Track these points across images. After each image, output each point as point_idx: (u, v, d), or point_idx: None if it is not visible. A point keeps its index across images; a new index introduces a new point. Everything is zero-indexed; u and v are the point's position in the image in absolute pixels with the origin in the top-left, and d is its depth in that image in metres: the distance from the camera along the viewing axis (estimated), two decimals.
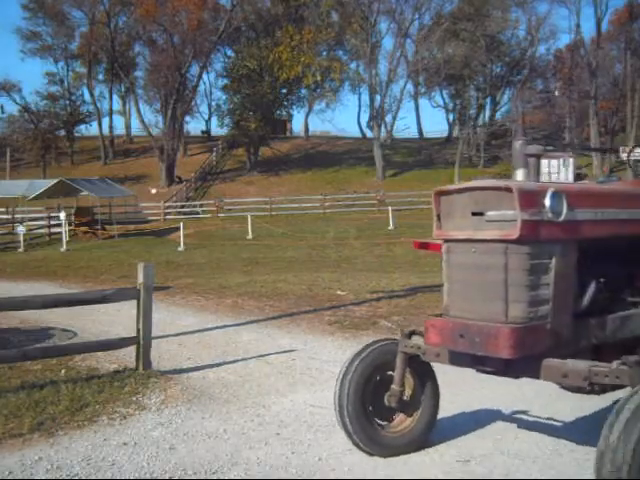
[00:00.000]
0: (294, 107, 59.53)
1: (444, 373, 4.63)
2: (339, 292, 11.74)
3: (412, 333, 4.32)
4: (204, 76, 61.70)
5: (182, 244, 25.28)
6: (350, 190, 44.59)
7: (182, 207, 43.48)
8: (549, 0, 62.52)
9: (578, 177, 6.48)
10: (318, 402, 5.45)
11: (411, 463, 4.24)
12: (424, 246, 5.19)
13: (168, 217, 40.16)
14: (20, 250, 26.96)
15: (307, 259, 19.80)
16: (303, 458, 4.35)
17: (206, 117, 67.59)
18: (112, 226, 33.05)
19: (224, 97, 56.92)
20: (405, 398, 4.36)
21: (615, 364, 3.30)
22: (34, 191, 34.17)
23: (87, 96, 62.45)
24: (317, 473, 4.14)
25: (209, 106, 65.26)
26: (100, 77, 64.20)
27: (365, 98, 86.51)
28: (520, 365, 3.63)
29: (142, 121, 57.74)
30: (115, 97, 66.52)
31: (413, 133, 67.23)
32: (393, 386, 4.27)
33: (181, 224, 26.80)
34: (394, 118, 60.40)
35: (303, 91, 55.73)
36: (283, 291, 12.12)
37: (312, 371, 6.60)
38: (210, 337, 8.47)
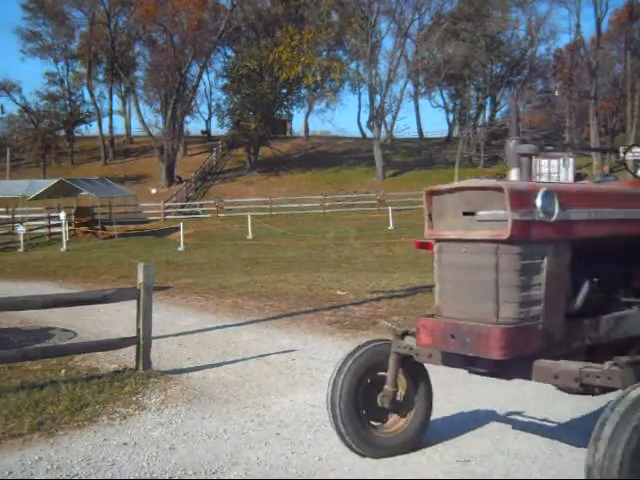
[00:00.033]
0: (294, 107, 59.64)
1: (444, 373, 4.63)
2: (339, 292, 11.74)
3: (405, 334, 4.30)
4: (204, 76, 61.85)
5: (182, 244, 25.29)
6: (350, 190, 44.60)
7: (182, 207, 43.49)
8: (549, 0, 62.55)
9: (578, 177, 6.48)
10: (318, 402, 5.45)
11: (411, 463, 4.24)
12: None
13: (168, 217, 40.16)
14: (20, 250, 26.97)
15: (307, 259, 19.81)
16: (303, 458, 4.35)
17: (206, 117, 67.75)
18: (112, 226, 33.06)
19: (224, 97, 57.04)
20: (398, 399, 4.34)
21: (607, 365, 3.27)
22: (34, 191, 34.18)
23: (87, 96, 62.60)
24: (317, 473, 4.14)
25: (209, 106, 65.40)
26: (100, 77, 64.29)
27: (365, 98, 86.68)
28: (512, 366, 3.61)
29: (142, 121, 57.83)
30: (115, 97, 66.69)
31: (413, 133, 67.32)
32: (386, 387, 4.25)
33: (181, 224, 26.80)
34: (394, 118, 60.49)
35: (303, 91, 55.74)
36: (283, 291, 12.12)
37: (312, 371, 6.60)
38: (210, 337, 8.47)
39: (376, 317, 9.26)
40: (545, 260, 3.54)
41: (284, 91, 53.96)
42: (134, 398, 5.69)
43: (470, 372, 3.92)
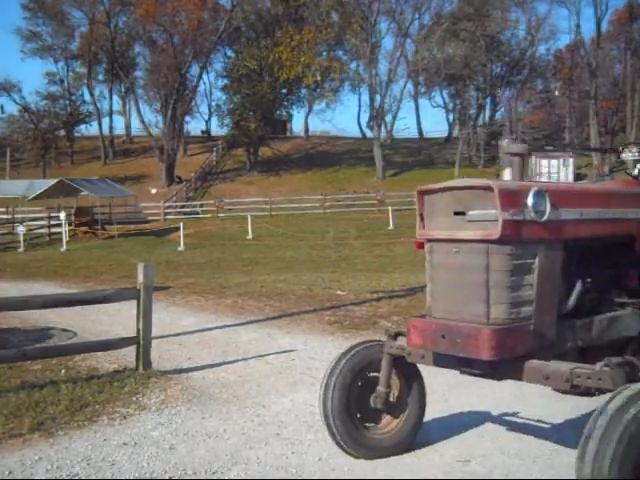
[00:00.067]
0: (294, 107, 59.63)
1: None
2: (339, 292, 11.74)
3: (398, 334, 4.26)
4: (204, 76, 61.79)
5: (182, 244, 25.29)
6: (350, 190, 44.60)
7: (182, 207, 43.49)
8: (549, 0, 62.48)
9: (578, 177, 6.47)
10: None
11: (411, 463, 4.24)
12: (424, 246, 5.17)
13: (168, 217, 40.16)
14: (20, 250, 26.97)
15: (307, 259, 19.81)
16: (303, 458, 4.35)
17: (206, 117, 67.73)
18: (112, 226, 33.06)
19: (224, 97, 57.03)
20: (391, 400, 4.31)
21: (598, 366, 3.24)
22: (34, 191, 34.18)
23: (87, 96, 62.51)
24: (317, 473, 4.14)
25: (209, 106, 65.39)
26: (100, 77, 64.24)
27: (365, 98, 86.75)
28: (503, 367, 3.59)
29: (142, 121, 57.82)
30: (115, 97, 66.66)
31: (413, 133, 67.28)
32: (379, 388, 4.22)
33: (181, 224, 26.81)
34: (394, 118, 60.49)
35: (303, 91, 55.73)
36: (283, 291, 12.12)
37: (312, 371, 6.60)
38: (210, 337, 8.47)
39: (376, 317, 9.26)
40: (536, 260, 3.51)
41: (284, 91, 53.95)
42: (134, 398, 5.70)
43: (462, 373, 3.89)
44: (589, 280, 3.85)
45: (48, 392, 5.71)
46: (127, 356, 6.93)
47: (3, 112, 60.48)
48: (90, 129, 65.63)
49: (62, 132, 60.79)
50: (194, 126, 73.97)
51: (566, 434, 4.58)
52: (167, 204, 42.41)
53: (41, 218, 34.52)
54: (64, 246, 26.85)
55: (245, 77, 51.07)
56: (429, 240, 3.83)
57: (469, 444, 4.54)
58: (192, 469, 4.23)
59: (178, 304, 11.27)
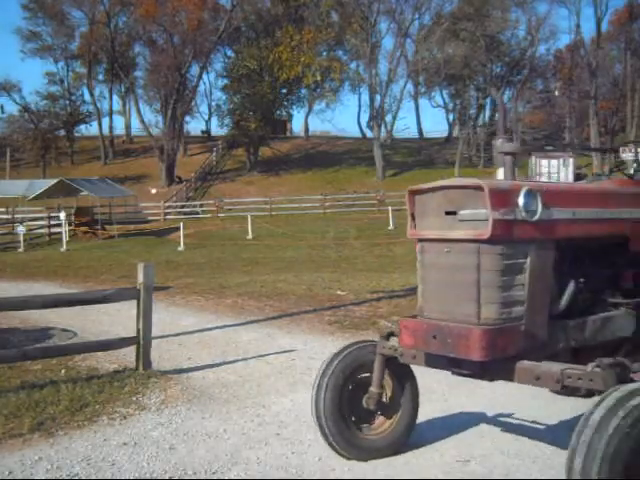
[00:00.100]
0: (294, 107, 59.61)
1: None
2: (339, 292, 11.75)
3: (390, 334, 4.22)
4: (204, 76, 61.80)
5: (182, 244, 25.30)
6: (350, 190, 44.59)
7: (182, 207, 43.48)
8: (549, 0, 62.50)
9: (578, 177, 6.45)
10: None
11: (411, 463, 4.24)
12: None
13: (168, 217, 40.15)
14: (20, 250, 26.98)
15: (307, 259, 19.81)
16: (303, 458, 4.35)
17: (206, 117, 67.73)
18: (112, 226, 33.06)
19: (224, 97, 57.01)
20: (384, 400, 4.29)
21: (590, 367, 3.22)
22: (34, 191, 34.19)
23: (87, 96, 62.53)
24: (317, 473, 4.14)
25: (209, 106, 65.40)
26: (100, 77, 64.23)
27: (365, 98, 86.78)
28: (494, 367, 3.56)
29: (142, 121, 57.81)
30: (115, 97, 66.67)
31: (413, 133, 67.28)
32: (371, 388, 4.20)
33: (181, 224, 26.81)
34: (394, 118, 60.48)
35: (303, 91, 55.71)
36: (283, 291, 12.12)
37: (312, 371, 6.57)
38: (210, 337, 8.47)
39: (376, 317, 9.26)
40: (528, 260, 3.49)
41: (284, 91, 53.94)
42: (134, 398, 5.70)
43: (453, 373, 3.87)
44: (582, 280, 3.83)
45: (48, 392, 5.71)
46: (127, 356, 6.94)
47: (3, 112, 60.59)
48: (90, 129, 65.78)
49: (62, 132, 60.80)
50: (194, 126, 74.10)
51: (566, 434, 4.58)
52: (167, 204, 42.41)
53: (41, 218, 34.53)
54: (64, 246, 26.86)
55: (245, 77, 51.07)
56: (420, 240, 3.81)
57: (469, 444, 4.54)
58: (192, 469, 4.23)
59: (178, 304, 11.28)
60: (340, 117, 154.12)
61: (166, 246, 27.01)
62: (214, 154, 55.98)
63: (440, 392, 5.60)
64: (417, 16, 54.98)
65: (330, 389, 4.11)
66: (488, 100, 60.41)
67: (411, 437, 4.60)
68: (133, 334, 6.57)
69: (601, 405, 2.88)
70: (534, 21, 54.93)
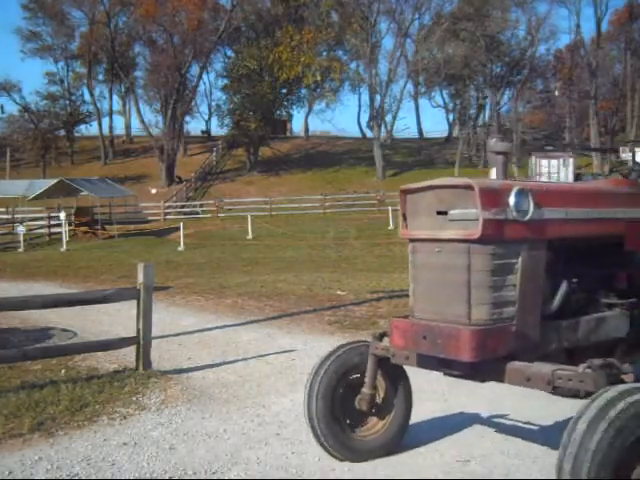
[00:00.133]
0: (294, 107, 59.62)
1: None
2: (339, 292, 11.75)
3: (383, 335, 4.19)
4: (204, 76, 61.83)
5: (182, 244, 25.30)
6: (350, 190, 44.59)
7: (182, 207, 43.48)
8: (549, 0, 62.47)
9: (578, 177, 6.45)
10: None
11: (411, 463, 4.24)
12: None
13: (168, 217, 40.15)
14: (20, 250, 26.98)
15: (307, 259, 19.81)
16: (303, 458, 4.35)
17: (206, 117, 67.75)
18: (112, 226, 33.07)
19: (224, 97, 57.02)
20: (377, 401, 4.26)
21: (581, 368, 3.20)
22: (34, 191, 34.19)
23: (87, 96, 62.55)
24: (317, 473, 4.14)
25: (209, 106, 65.42)
26: (100, 77, 64.24)
27: (365, 98, 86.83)
28: (485, 368, 3.53)
29: (142, 121, 57.84)
30: (115, 97, 66.70)
31: (413, 133, 67.30)
32: (364, 389, 4.17)
33: (181, 224, 26.81)
34: (394, 118, 60.48)
35: (303, 91, 55.72)
36: (283, 291, 12.12)
37: None
38: (210, 337, 8.48)
39: (376, 317, 9.26)
40: (519, 260, 3.46)
41: (284, 91, 53.94)
42: (134, 398, 5.70)
43: (445, 374, 3.85)
44: (575, 280, 3.80)
45: (48, 392, 5.71)
46: (127, 356, 6.94)
47: (3, 112, 60.61)
48: (90, 129, 65.80)
49: (62, 132, 60.81)
50: (194, 126, 74.13)
51: None
52: (167, 204, 42.41)
53: (41, 218, 34.54)
54: (64, 246, 26.86)
55: (245, 77, 51.07)
56: (412, 240, 3.79)
57: (469, 444, 4.54)
58: (192, 469, 4.23)
59: (178, 304, 11.28)
60: (340, 117, 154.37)
61: (166, 246, 27.01)
62: (214, 154, 55.99)
63: (440, 392, 5.60)
64: (417, 16, 55.05)
65: (322, 390, 4.09)
66: (488, 100, 60.43)
67: (411, 437, 4.60)
68: (133, 334, 6.57)
69: (591, 406, 2.87)
70: (534, 21, 54.95)
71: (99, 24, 56.19)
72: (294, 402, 5.59)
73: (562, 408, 5.12)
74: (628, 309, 3.98)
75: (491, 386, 5.34)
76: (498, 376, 3.53)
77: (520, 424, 4.93)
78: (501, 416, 5.12)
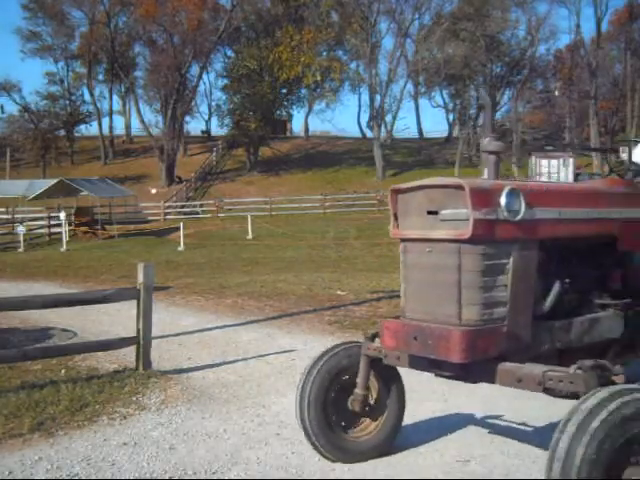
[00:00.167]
0: (294, 107, 59.60)
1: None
2: (339, 292, 11.75)
3: (375, 336, 4.15)
4: (204, 76, 61.80)
5: (182, 244, 25.30)
6: (350, 190, 44.59)
7: (182, 207, 43.48)
8: (549, 0, 62.46)
9: (577, 177, 6.44)
10: None
11: (411, 463, 4.24)
12: None
13: (168, 217, 40.15)
14: (20, 250, 26.98)
15: (307, 259, 19.81)
16: (303, 458, 4.34)
17: (206, 117, 67.73)
18: (112, 226, 33.07)
19: (224, 97, 57.01)
20: (370, 402, 4.24)
21: (572, 369, 3.18)
22: (34, 191, 34.20)
23: (87, 96, 62.53)
24: (317, 473, 4.14)
25: (209, 106, 65.39)
26: (100, 77, 64.22)
27: (365, 98, 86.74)
28: (476, 369, 3.51)
29: (142, 121, 57.84)
30: (115, 97, 66.65)
31: (413, 133, 67.27)
32: (356, 390, 4.15)
33: (181, 224, 26.82)
34: (394, 118, 60.42)
35: (303, 91, 55.71)
36: (283, 291, 12.12)
37: None
38: (210, 337, 8.48)
39: (376, 317, 9.25)
40: (511, 260, 3.44)
41: (284, 91, 53.94)
42: (134, 398, 5.70)
43: (436, 375, 3.83)
44: (568, 281, 3.77)
45: (48, 392, 5.71)
46: (127, 356, 6.94)
47: (3, 112, 60.60)
48: (90, 129, 65.78)
49: (62, 132, 60.80)
50: (194, 126, 74.12)
51: None
52: (167, 204, 42.40)
53: (41, 218, 34.54)
54: (64, 246, 26.86)
55: (245, 77, 51.07)
56: (403, 240, 3.77)
57: (469, 444, 4.54)
58: (192, 469, 4.23)
59: (178, 304, 11.28)
60: (340, 117, 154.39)
61: (166, 246, 27.01)
62: (214, 154, 55.98)
63: (440, 392, 5.60)
64: (417, 16, 55.02)
65: (315, 391, 4.07)
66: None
67: (411, 437, 4.61)
68: (133, 334, 6.57)
69: (581, 407, 2.86)
70: (534, 21, 54.92)
71: (99, 24, 56.19)
72: (294, 402, 5.59)
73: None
74: (622, 310, 3.95)
75: (491, 386, 5.35)
76: (489, 377, 3.51)
77: (520, 424, 4.93)
78: (501, 416, 5.12)
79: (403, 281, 3.79)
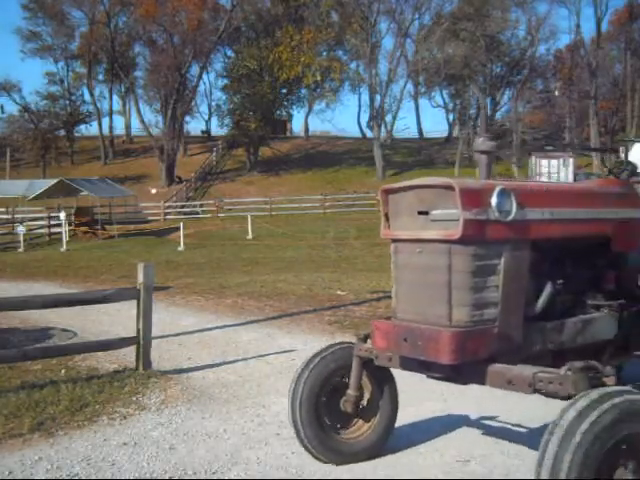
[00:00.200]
0: (294, 107, 59.60)
1: None
2: (339, 292, 11.75)
3: (367, 336, 4.10)
4: (204, 76, 61.81)
5: (182, 244, 25.29)
6: (350, 190, 44.59)
7: (182, 207, 43.47)
8: (549, 0, 62.46)
9: (576, 177, 6.44)
10: None
11: (411, 463, 4.24)
12: None
13: (168, 217, 40.15)
14: (20, 250, 26.98)
15: (307, 259, 19.81)
16: (303, 458, 4.34)
17: (206, 117, 67.74)
18: (112, 226, 33.06)
19: (224, 97, 57.02)
20: (363, 403, 4.22)
21: (563, 370, 3.15)
22: (34, 191, 34.19)
23: (87, 96, 62.53)
24: (317, 473, 4.14)
25: (209, 106, 65.40)
26: (100, 77, 64.22)
27: (365, 98, 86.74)
28: (466, 370, 3.49)
29: (142, 121, 57.83)
30: (115, 97, 66.65)
31: (413, 133, 67.26)
32: (349, 391, 4.13)
33: (181, 224, 26.81)
34: (394, 118, 60.44)
35: (303, 91, 55.71)
36: (283, 291, 12.12)
37: None
38: (210, 337, 8.48)
39: (376, 317, 9.24)
40: (502, 261, 3.41)
41: (284, 91, 53.94)
42: (134, 398, 5.70)
43: (428, 377, 3.80)
44: (561, 281, 3.74)
45: (48, 392, 5.71)
46: (127, 356, 6.94)
47: (3, 112, 60.60)
48: (90, 129, 65.77)
49: (62, 132, 60.79)
50: (194, 126, 74.12)
51: None
52: (167, 204, 42.40)
53: (41, 218, 34.53)
54: (64, 246, 26.85)
55: (245, 77, 51.07)
56: (394, 240, 3.75)
57: (469, 444, 4.54)
58: (192, 469, 4.23)
59: (178, 304, 11.28)
60: (340, 117, 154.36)
61: (166, 246, 27.01)
62: (214, 154, 55.98)
63: (439, 392, 5.59)
64: (417, 16, 55.01)
65: (307, 392, 4.05)
66: (488, 100, 60.44)
67: (411, 437, 4.61)
68: (133, 334, 6.57)
69: (571, 409, 2.84)
70: (534, 21, 54.89)
71: (99, 24, 56.20)
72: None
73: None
74: (616, 311, 3.92)
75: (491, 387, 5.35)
76: (479, 379, 3.48)
77: (520, 424, 4.93)
78: (502, 416, 5.12)
79: (394, 282, 3.76)
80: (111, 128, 63.06)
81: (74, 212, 33.82)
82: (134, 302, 6.54)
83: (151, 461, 4.37)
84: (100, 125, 61.06)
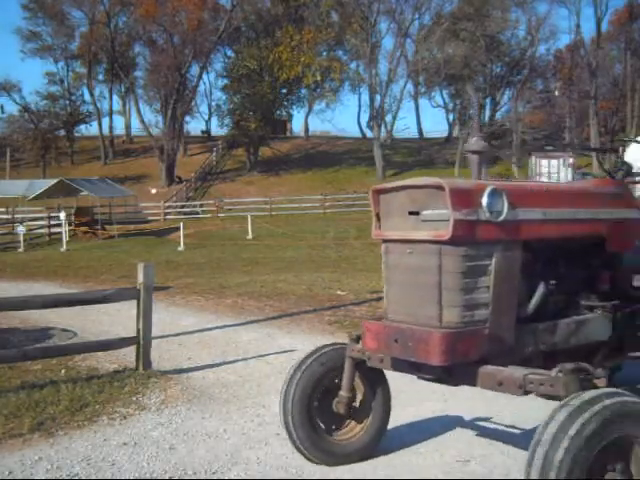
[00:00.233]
0: (294, 107, 59.62)
1: None
2: (339, 292, 11.75)
3: (359, 337, 4.06)
4: (204, 76, 61.83)
5: (182, 244, 25.29)
6: (350, 190, 44.58)
7: (182, 207, 43.48)
8: (549, 0, 62.43)
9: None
10: None
11: (411, 463, 4.24)
12: None
13: (168, 217, 40.15)
14: (20, 250, 26.98)
15: (307, 259, 19.80)
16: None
17: (206, 117, 67.76)
18: (112, 226, 33.07)
19: (224, 97, 57.04)
20: (355, 404, 4.20)
21: (554, 372, 3.13)
22: (34, 191, 34.20)
23: (87, 96, 62.55)
24: (317, 473, 4.13)
25: (209, 106, 65.42)
26: (100, 77, 64.24)
27: (365, 98, 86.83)
28: (457, 372, 3.47)
29: (142, 121, 57.84)
30: (115, 97, 66.67)
31: (413, 133, 67.28)
32: (341, 392, 4.11)
33: (181, 224, 26.81)
34: (394, 118, 60.45)
35: (303, 91, 55.73)
36: (283, 291, 12.12)
37: None
38: (210, 337, 8.48)
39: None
40: (493, 262, 3.38)
41: (284, 91, 53.94)
42: (134, 398, 5.70)
43: (419, 378, 3.79)
44: (554, 282, 3.72)
45: (48, 392, 5.71)
46: (127, 356, 6.94)
47: (3, 112, 60.60)
48: (90, 129, 65.80)
49: (62, 132, 60.80)
50: (194, 126, 74.14)
51: None
52: (167, 204, 42.40)
53: (41, 218, 34.53)
54: (64, 246, 26.86)
55: (245, 77, 51.07)
56: (385, 240, 3.72)
57: (469, 444, 4.54)
58: (192, 469, 4.23)
59: (178, 304, 11.28)
60: (340, 117, 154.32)
61: (166, 246, 27.01)
62: (214, 154, 55.98)
63: (439, 392, 5.59)
64: (417, 16, 55.00)
65: (299, 391, 4.03)
66: (488, 100, 60.45)
67: (411, 437, 4.61)
68: (133, 334, 6.57)
69: (561, 411, 2.83)
70: (534, 21, 54.89)
71: (99, 24, 56.20)
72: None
73: None
74: (610, 312, 3.89)
75: None
76: (470, 380, 3.46)
77: (520, 424, 4.93)
78: (501, 416, 5.12)
79: (385, 282, 3.75)
80: (111, 128, 63.17)
81: (74, 212, 33.82)
82: (134, 302, 6.54)
83: (151, 461, 4.37)
84: (100, 125, 61.12)
